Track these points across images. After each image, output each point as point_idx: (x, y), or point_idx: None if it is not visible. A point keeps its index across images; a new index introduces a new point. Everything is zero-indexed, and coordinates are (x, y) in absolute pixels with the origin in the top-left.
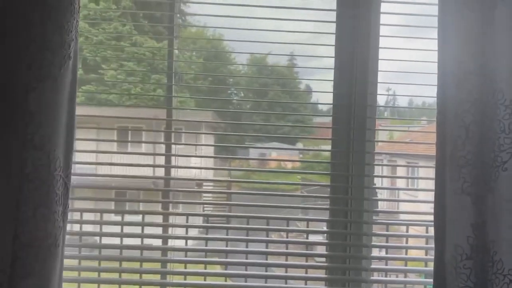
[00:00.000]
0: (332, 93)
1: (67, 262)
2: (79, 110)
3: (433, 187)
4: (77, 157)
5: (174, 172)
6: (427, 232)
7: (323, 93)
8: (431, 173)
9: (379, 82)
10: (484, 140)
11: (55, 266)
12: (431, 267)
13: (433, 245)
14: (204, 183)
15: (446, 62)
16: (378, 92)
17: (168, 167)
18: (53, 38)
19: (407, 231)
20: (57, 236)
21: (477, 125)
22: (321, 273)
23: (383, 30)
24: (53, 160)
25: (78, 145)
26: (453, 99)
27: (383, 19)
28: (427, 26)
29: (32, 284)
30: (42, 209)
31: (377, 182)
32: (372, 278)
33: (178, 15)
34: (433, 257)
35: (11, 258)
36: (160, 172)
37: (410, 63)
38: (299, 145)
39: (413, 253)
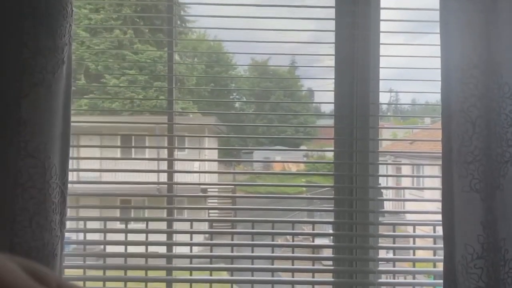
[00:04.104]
0: (333, 92)
1: (72, 272)
2: (83, 119)
3: (439, 186)
4: (81, 164)
5: (178, 178)
6: (434, 231)
7: (325, 92)
8: (437, 172)
9: (381, 79)
10: (491, 135)
11: None
12: (440, 267)
13: (441, 245)
14: (209, 188)
15: (450, 57)
16: (381, 90)
17: (171, 172)
18: (46, 43)
19: (414, 231)
20: (54, 245)
21: (484, 120)
22: (328, 277)
23: (383, 26)
24: (48, 168)
25: (82, 152)
26: (458, 94)
27: (383, 14)
28: (429, 20)
29: None
30: (38, 219)
31: (382, 182)
32: (380, 280)
33: (179, 22)
34: (441, 257)
35: None
36: (165, 178)
37: (412, 60)
38: (303, 148)
39: (421, 254)
